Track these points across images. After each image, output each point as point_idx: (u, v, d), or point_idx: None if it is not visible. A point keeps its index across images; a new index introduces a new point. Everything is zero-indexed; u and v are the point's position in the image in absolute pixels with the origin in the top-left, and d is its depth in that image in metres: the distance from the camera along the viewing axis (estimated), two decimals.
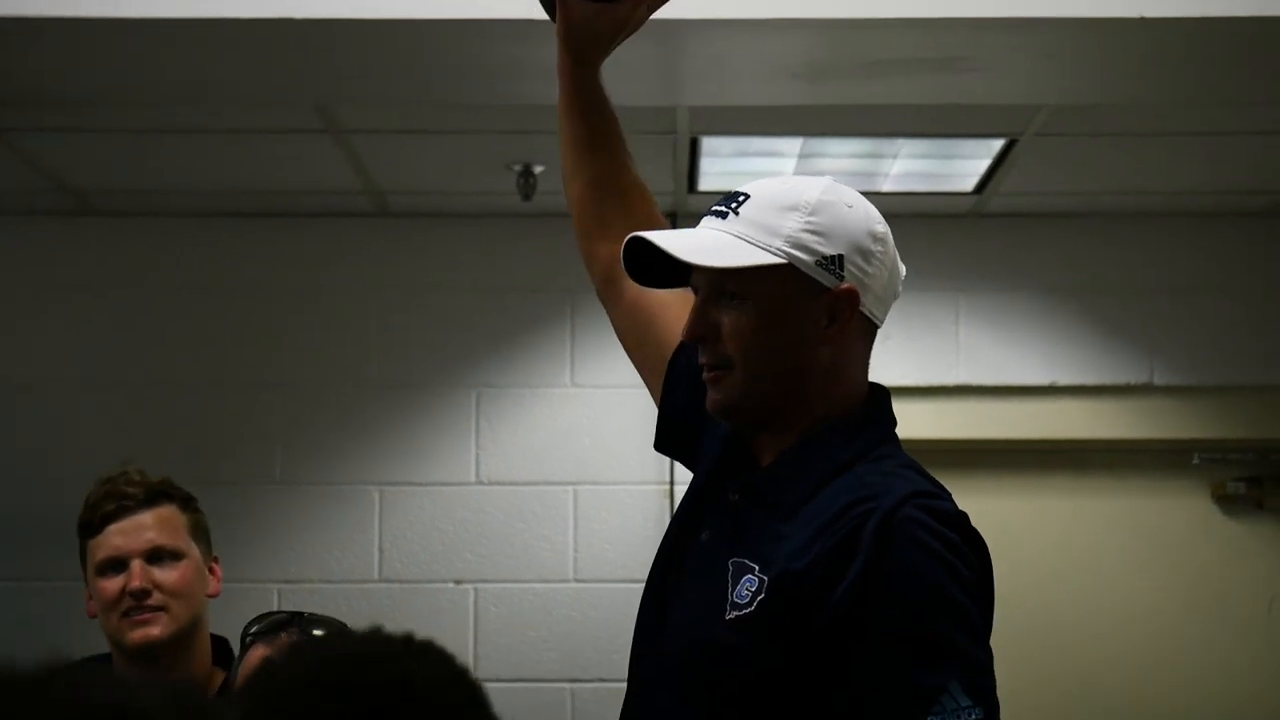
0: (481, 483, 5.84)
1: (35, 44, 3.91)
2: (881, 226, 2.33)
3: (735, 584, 2.23)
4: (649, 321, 2.59)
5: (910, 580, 2.15)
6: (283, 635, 2.92)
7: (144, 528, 3.23)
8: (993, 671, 2.17)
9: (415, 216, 5.87)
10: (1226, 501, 5.98)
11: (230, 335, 5.84)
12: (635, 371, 5.77)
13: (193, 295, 5.84)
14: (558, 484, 5.84)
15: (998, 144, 5.17)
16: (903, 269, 2.38)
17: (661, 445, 2.60)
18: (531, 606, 5.80)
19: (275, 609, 5.44)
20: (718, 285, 2.30)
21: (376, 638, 1.55)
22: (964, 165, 5.42)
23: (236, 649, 3.12)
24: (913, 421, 5.72)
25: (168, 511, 3.28)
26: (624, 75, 4.08)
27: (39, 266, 5.85)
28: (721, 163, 5.40)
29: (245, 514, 5.71)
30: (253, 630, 2.98)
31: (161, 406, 5.79)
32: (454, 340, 5.85)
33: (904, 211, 5.76)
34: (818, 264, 2.26)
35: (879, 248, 2.30)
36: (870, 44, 3.93)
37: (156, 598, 3.20)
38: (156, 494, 3.28)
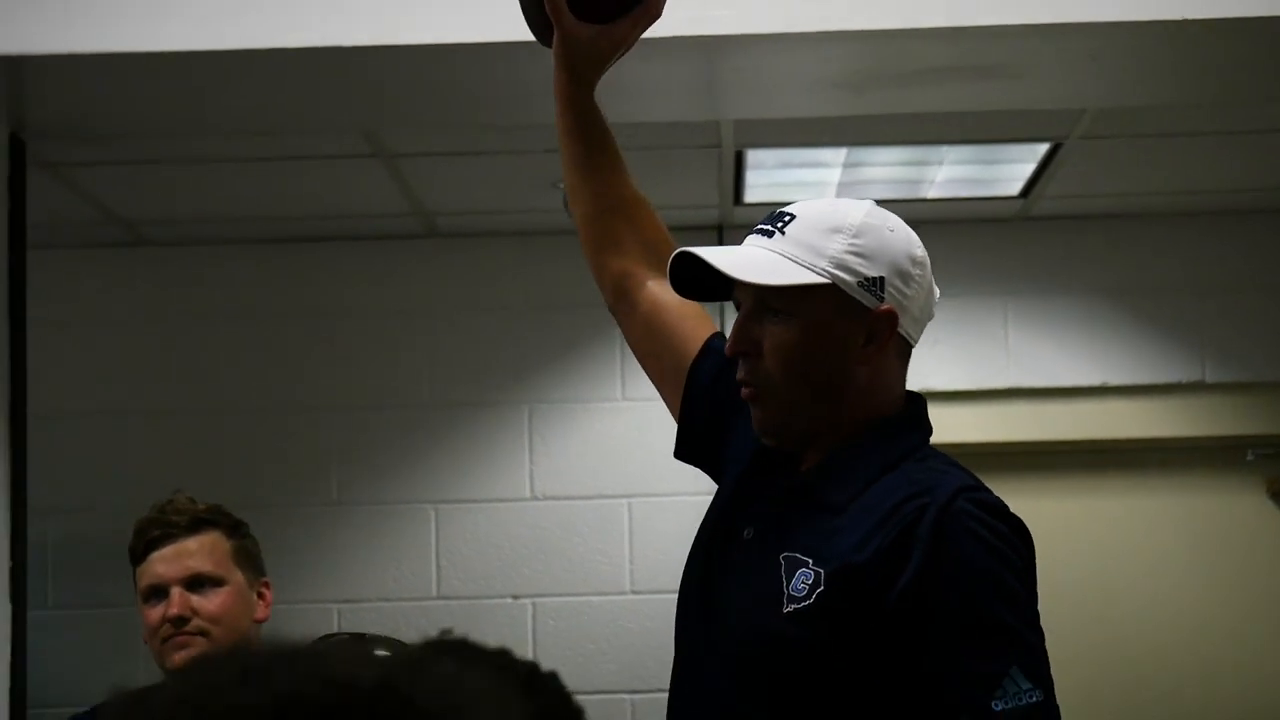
0: (536, 498, 5.87)
1: (86, 79, 3.95)
2: (920, 251, 2.38)
3: (790, 578, 2.28)
4: (667, 331, 2.64)
5: (968, 571, 2.21)
6: None
7: (185, 555, 3.27)
8: (1047, 655, 2.24)
9: (464, 236, 5.91)
10: None
11: (284, 359, 5.90)
12: None
13: (246, 321, 5.90)
14: (612, 497, 5.87)
15: (1043, 148, 5.17)
16: (937, 292, 2.44)
17: (682, 453, 2.65)
18: (589, 619, 5.83)
19: (335, 629, 5.51)
20: (761, 302, 2.36)
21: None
22: (1009, 170, 5.43)
23: None
24: (964, 425, 5.82)
25: (211, 538, 3.31)
26: (669, 91, 4.15)
27: (93, 297, 5.91)
28: (767, 174, 5.42)
29: (304, 535, 5.75)
30: None
31: (218, 431, 5.85)
32: (505, 358, 5.89)
33: (950, 217, 5.79)
34: (860, 285, 2.32)
35: (918, 271, 2.36)
36: (912, 53, 3.94)
37: (196, 623, 3.23)
38: (200, 521, 3.32)
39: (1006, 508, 2.30)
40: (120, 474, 5.77)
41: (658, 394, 6.05)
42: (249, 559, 3.37)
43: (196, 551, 3.28)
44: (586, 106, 2.70)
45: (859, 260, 2.31)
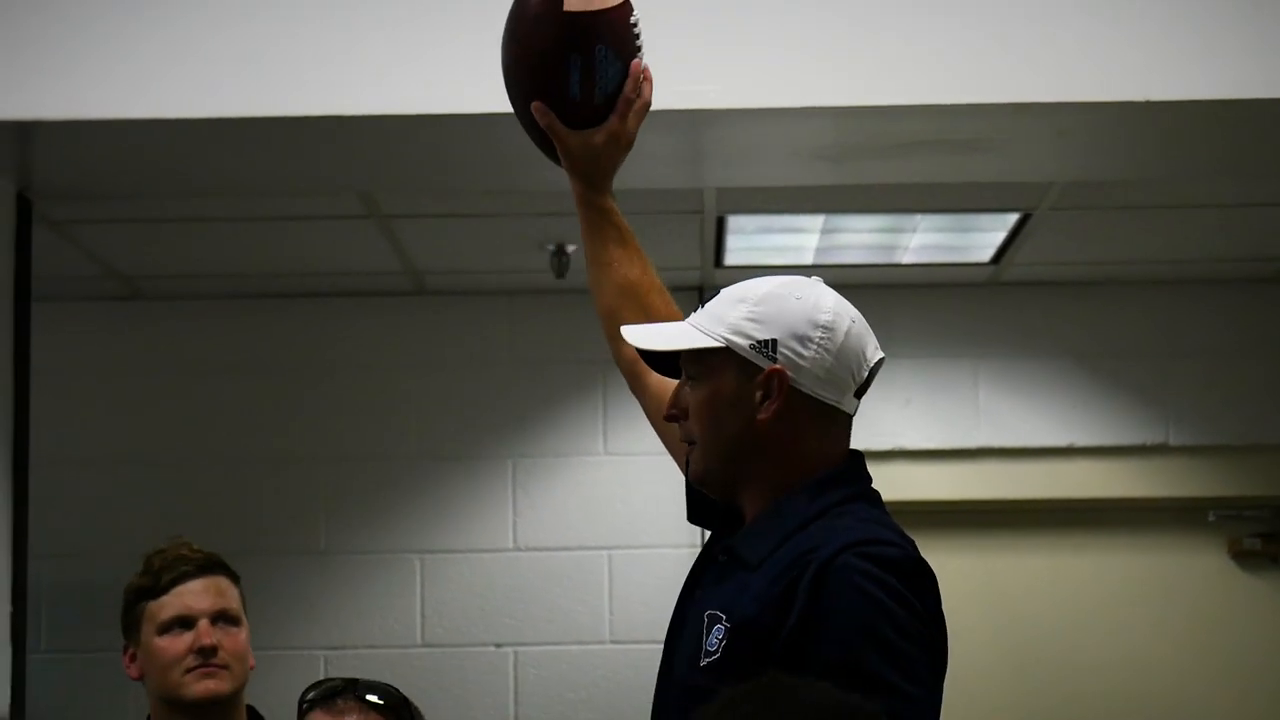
0: (519, 549, 5.98)
1: (91, 143, 4.02)
2: (826, 316, 2.48)
3: (708, 634, 2.41)
4: None
5: (842, 621, 2.30)
6: (339, 702, 3.06)
7: (213, 591, 3.37)
8: (930, 709, 2.34)
9: (452, 294, 6.04)
10: (1242, 557, 6.09)
11: (275, 411, 6.01)
12: None
13: (238, 374, 6.01)
14: (593, 549, 5.98)
15: (1013, 218, 5.30)
16: (871, 356, 2.53)
17: (693, 518, 2.79)
18: (569, 668, 5.94)
19: (323, 676, 5.60)
20: (685, 370, 2.55)
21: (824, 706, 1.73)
22: (981, 238, 5.55)
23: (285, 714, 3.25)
24: (935, 483, 5.95)
25: (225, 581, 3.43)
26: (657, 161, 4.28)
27: (92, 349, 6.02)
28: (747, 239, 5.54)
29: (292, 584, 5.85)
30: (309, 697, 3.09)
31: (210, 481, 5.96)
32: (491, 412, 6.02)
33: (923, 282, 5.93)
34: (752, 347, 2.46)
35: (820, 334, 2.47)
36: (890, 129, 4.05)
37: (222, 656, 3.33)
38: (214, 564, 3.43)
39: (907, 562, 2.37)
40: (111, 520, 5.87)
41: (638, 449, 6.20)
42: (246, 607, 3.50)
43: (216, 590, 3.38)
44: (602, 207, 2.84)
45: (753, 325, 2.45)
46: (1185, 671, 6.06)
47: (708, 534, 6.08)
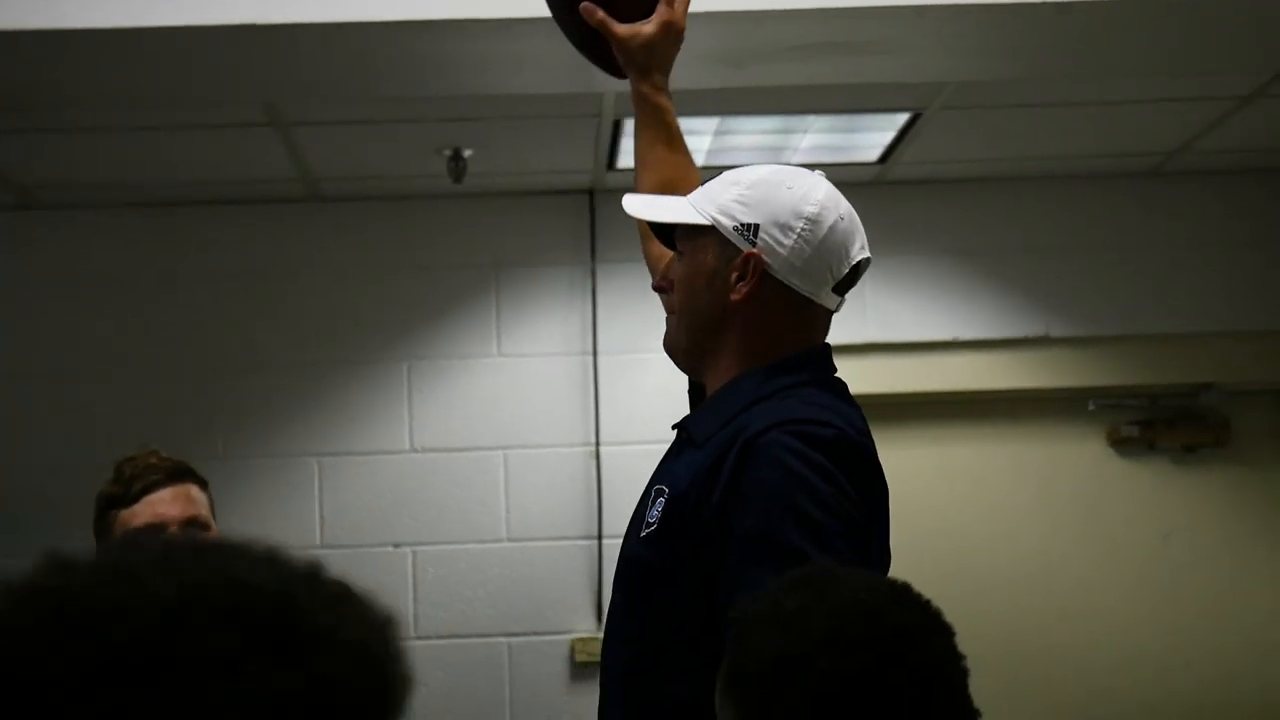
0: (416, 450, 6.05)
1: None
2: (812, 209, 2.57)
3: (652, 506, 2.53)
4: None
5: (760, 494, 2.40)
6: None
7: (184, 498, 3.43)
8: None
9: (348, 200, 6.06)
10: (1121, 444, 6.27)
11: (171, 320, 6.00)
12: (558, 341, 5.94)
13: (134, 283, 6.00)
14: (488, 449, 6.05)
15: (903, 117, 5.39)
16: (855, 255, 2.61)
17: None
18: (468, 566, 6.02)
19: None
20: (678, 245, 2.66)
21: (868, 588, 1.82)
22: (869, 138, 5.64)
23: None
24: None
25: (194, 488, 3.49)
26: (557, 66, 4.33)
27: None
28: None
29: None
30: None
31: (106, 390, 5.96)
32: (386, 316, 6.06)
33: None
34: (735, 229, 2.57)
35: (802, 225, 2.56)
36: (785, 32, 4.13)
37: None
38: (183, 471, 3.49)
39: (840, 443, 2.45)
40: (7, 436, 5.89)
41: (532, 350, 6.22)
42: (214, 513, 3.55)
43: (186, 498, 3.44)
44: (656, 104, 2.96)
45: (740, 208, 2.56)
46: (1067, 554, 6.23)
47: (604, 430, 6.15)
